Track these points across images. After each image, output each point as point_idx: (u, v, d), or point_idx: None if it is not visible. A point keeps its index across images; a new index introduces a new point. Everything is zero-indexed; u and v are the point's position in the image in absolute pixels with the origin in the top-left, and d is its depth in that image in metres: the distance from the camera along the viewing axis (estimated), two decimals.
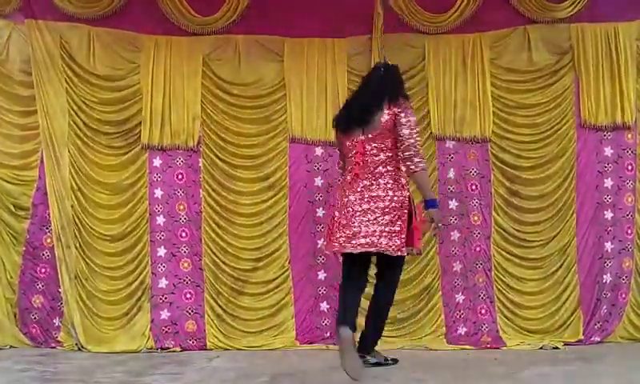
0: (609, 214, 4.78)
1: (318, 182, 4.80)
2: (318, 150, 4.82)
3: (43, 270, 4.68)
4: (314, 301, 4.76)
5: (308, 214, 4.80)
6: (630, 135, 4.79)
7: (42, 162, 4.67)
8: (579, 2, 4.74)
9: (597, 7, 4.76)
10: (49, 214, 4.64)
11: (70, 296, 4.58)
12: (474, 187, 4.82)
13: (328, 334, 4.69)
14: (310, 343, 4.64)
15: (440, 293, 4.77)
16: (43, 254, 4.69)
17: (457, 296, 4.78)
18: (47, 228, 4.67)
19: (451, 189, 4.81)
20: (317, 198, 4.80)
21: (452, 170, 4.81)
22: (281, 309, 4.74)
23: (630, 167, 4.78)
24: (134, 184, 4.76)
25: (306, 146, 4.81)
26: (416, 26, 4.82)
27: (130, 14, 4.76)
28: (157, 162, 4.76)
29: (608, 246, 4.77)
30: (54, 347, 4.58)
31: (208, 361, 4.20)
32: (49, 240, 4.67)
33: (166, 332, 4.63)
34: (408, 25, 4.82)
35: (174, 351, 4.54)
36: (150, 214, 4.74)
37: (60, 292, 4.62)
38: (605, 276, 4.75)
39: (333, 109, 4.77)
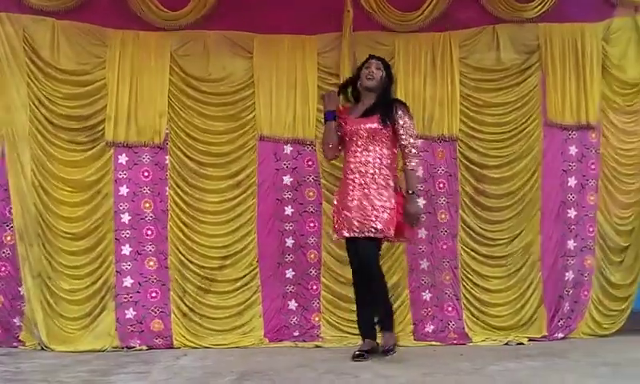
0: (572, 213, 4.86)
1: (287, 180, 4.78)
2: (287, 148, 4.80)
3: (3, 269, 4.55)
4: (282, 299, 4.74)
5: (276, 212, 4.77)
6: (593, 135, 4.88)
7: (2, 157, 4.54)
8: (547, 2, 4.81)
9: (564, 8, 4.83)
10: (9, 211, 4.52)
11: (33, 295, 4.48)
12: (441, 185, 4.86)
13: (297, 333, 4.68)
14: (279, 341, 4.62)
15: (407, 290, 4.80)
16: (3, 252, 4.56)
17: (424, 294, 4.81)
18: (7, 225, 4.54)
19: (419, 187, 4.83)
20: (285, 197, 4.78)
21: (420, 167, 4.83)
22: (248, 307, 4.71)
23: (593, 166, 4.88)
24: (98, 181, 4.67)
25: (274, 143, 4.78)
26: (386, 24, 4.83)
27: (96, 7, 4.66)
28: (122, 158, 4.68)
29: (571, 243, 4.85)
30: (15, 347, 4.47)
31: (175, 359, 4.14)
32: (9, 237, 4.54)
33: (132, 331, 4.56)
34: (378, 23, 4.83)
35: (139, 350, 4.48)
36: (114, 212, 4.65)
37: (20, 290, 4.51)
38: (567, 273, 4.84)
39: (302, 106, 4.77)
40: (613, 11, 4.92)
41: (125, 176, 4.68)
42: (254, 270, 4.73)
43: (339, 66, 4.74)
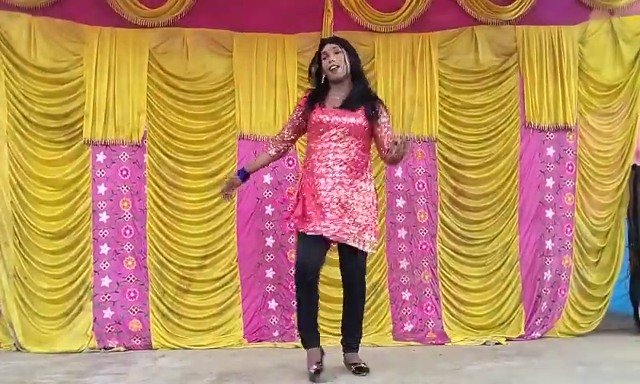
0: (550, 213, 4.91)
1: (267, 179, 4.77)
2: None
3: None
4: (262, 299, 4.73)
5: (256, 211, 4.75)
6: (571, 136, 4.93)
7: None
8: (524, 5, 4.85)
9: (541, 10, 4.87)
10: None
11: (8, 295, 4.43)
12: (420, 186, 4.88)
13: (276, 333, 4.67)
14: (259, 342, 4.61)
15: (387, 290, 4.81)
16: None
17: (403, 293, 4.83)
18: None
19: (399, 187, 4.86)
20: (265, 196, 4.77)
21: (400, 168, 4.85)
22: (228, 307, 4.69)
23: (570, 167, 4.93)
24: (76, 180, 4.62)
25: (254, 142, 4.76)
26: (366, 24, 4.84)
27: (73, 3, 4.61)
28: (100, 157, 4.63)
29: (549, 244, 4.90)
30: None
31: (153, 360, 4.12)
32: None
33: (110, 331, 4.52)
34: (358, 22, 4.84)
35: (117, 351, 4.44)
36: (92, 211, 4.60)
37: None
38: (545, 273, 4.88)
39: (282, 105, 4.76)
40: (589, 14, 4.98)
41: (103, 174, 4.63)
42: (233, 269, 4.71)
43: None
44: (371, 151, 3.74)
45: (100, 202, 4.62)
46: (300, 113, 3.75)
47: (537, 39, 4.90)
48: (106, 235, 4.61)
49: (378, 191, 4.77)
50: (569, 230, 4.92)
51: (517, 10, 4.86)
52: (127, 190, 4.66)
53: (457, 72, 4.91)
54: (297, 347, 4.53)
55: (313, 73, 3.78)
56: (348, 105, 3.64)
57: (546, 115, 4.89)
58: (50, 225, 4.57)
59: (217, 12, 4.73)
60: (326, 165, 3.58)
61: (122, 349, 4.46)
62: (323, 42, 3.77)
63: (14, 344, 4.40)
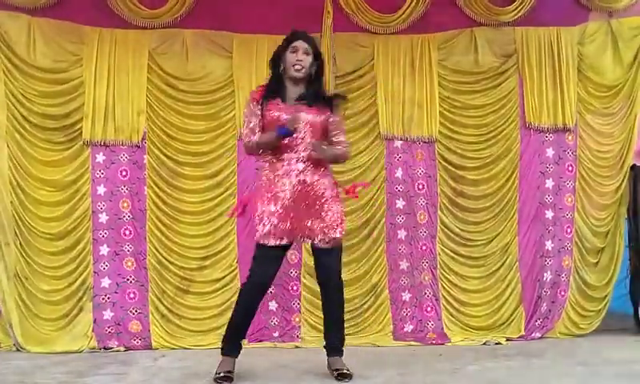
0: (549, 214, 4.92)
1: None
2: None
3: None
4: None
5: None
6: (570, 137, 4.94)
7: None
8: (523, 7, 4.86)
9: (540, 12, 4.89)
10: None
11: (9, 295, 4.42)
12: (420, 187, 4.88)
13: (277, 333, 4.67)
14: (259, 342, 4.60)
15: (387, 291, 4.81)
16: None
17: (403, 294, 4.83)
18: None
19: (399, 188, 4.87)
20: None
21: (400, 169, 4.86)
22: (228, 308, 4.63)
23: (570, 168, 4.94)
24: (76, 181, 4.62)
25: None
26: (365, 25, 4.85)
27: (73, 4, 4.61)
28: (100, 157, 4.63)
29: (548, 244, 4.90)
30: None
31: (153, 360, 4.11)
32: None
33: (109, 332, 4.51)
34: (357, 24, 4.85)
35: (117, 351, 4.43)
36: (92, 212, 4.60)
37: None
38: (545, 274, 4.89)
39: None
40: (587, 15, 4.99)
41: (102, 175, 4.63)
42: (233, 270, 4.71)
43: None
44: None
45: (100, 203, 4.62)
46: (258, 107, 3.55)
47: (536, 40, 4.91)
48: (105, 236, 4.61)
49: (378, 191, 4.83)
50: (568, 230, 4.93)
51: (516, 11, 4.87)
52: (127, 191, 4.66)
53: (456, 73, 4.92)
54: (297, 347, 4.55)
55: (273, 59, 3.63)
56: (307, 101, 3.54)
57: (545, 116, 4.90)
58: (49, 226, 4.56)
59: (217, 13, 4.74)
60: (289, 162, 3.49)
61: (121, 349, 4.45)
62: (295, 35, 3.59)
63: (14, 344, 4.39)
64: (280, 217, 3.45)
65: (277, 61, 3.61)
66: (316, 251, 3.53)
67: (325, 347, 3.63)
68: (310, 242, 3.51)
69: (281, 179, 3.49)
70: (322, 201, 3.51)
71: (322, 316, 3.65)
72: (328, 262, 3.53)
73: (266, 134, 3.50)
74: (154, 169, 4.69)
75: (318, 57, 3.61)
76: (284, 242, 3.46)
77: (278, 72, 3.60)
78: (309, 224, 3.47)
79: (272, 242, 3.44)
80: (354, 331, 4.69)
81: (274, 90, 3.58)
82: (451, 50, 4.92)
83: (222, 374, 3.43)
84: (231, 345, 3.54)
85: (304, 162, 3.50)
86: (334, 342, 3.59)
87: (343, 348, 3.61)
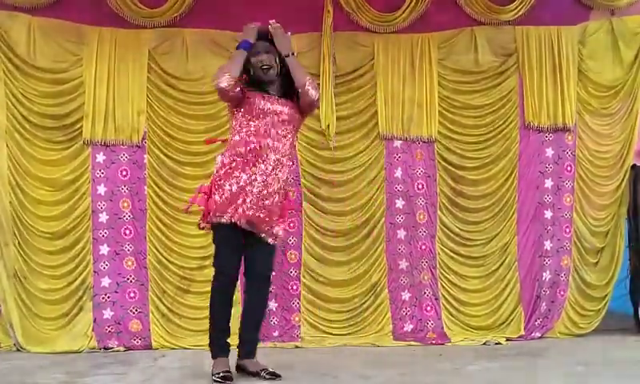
0: (548, 214, 4.92)
1: None
2: None
3: None
4: None
5: None
6: (570, 137, 4.94)
7: None
8: (523, 6, 4.86)
9: (540, 11, 4.88)
10: None
11: (8, 295, 4.42)
12: (420, 186, 4.88)
13: (276, 333, 4.67)
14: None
15: (387, 290, 4.82)
16: None
17: (403, 293, 4.83)
18: None
19: (398, 188, 4.87)
20: None
21: (399, 169, 4.86)
22: None
23: (569, 168, 4.94)
24: (75, 180, 4.62)
25: None
26: (365, 24, 4.84)
27: (73, 4, 4.62)
28: (100, 157, 4.63)
29: (547, 244, 4.90)
30: None
31: (153, 360, 4.11)
32: None
33: (109, 332, 4.52)
34: (358, 23, 4.85)
35: (117, 351, 4.43)
36: (92, 211, 4.60)
37: None
38: (544, 274, 4.89)
39: None
40: (588, 15, 4.99)
41: (102, 175, 4.63)
42: None
43: (319, 66, 4.74)
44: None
45: (100, 203, 4.62)
46: (239, 86, 3.46)
47: (536, 40, 4.90)
48: (105, 235, 4.61)
49: (377, 191, 4.83)
50: (568, 230, 4.93)
51: (516, 10, 4.87)
52: (127, 191, 4.66)
53: (456, 72, 4.91)
54: (297, 347, 4.55)
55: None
56: (283, 95, 3.52)
57: (545, 116, 4.90)
58: (49, 225, 4.57)
59: (217, 12, 4.73)
60: (266, 155, 3.44)
61: (121, 349, 4.46)
62: (259, 34, 3.54)
63: (14, 344, 4.39)
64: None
65: (246, 68, 3.51)
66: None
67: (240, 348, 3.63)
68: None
69: (251, 168, 3.47)
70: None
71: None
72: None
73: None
74: (154, 168, 4.69)
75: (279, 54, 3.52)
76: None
77: (252, 79, 3.53)
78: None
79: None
80: (354, 331, 4.71)
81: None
82: (451, 49, 4.92)
83: (221, 374, 3.44)
84: (223, 344, 3.58)
85: (275, 154, 3.45)
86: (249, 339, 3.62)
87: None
